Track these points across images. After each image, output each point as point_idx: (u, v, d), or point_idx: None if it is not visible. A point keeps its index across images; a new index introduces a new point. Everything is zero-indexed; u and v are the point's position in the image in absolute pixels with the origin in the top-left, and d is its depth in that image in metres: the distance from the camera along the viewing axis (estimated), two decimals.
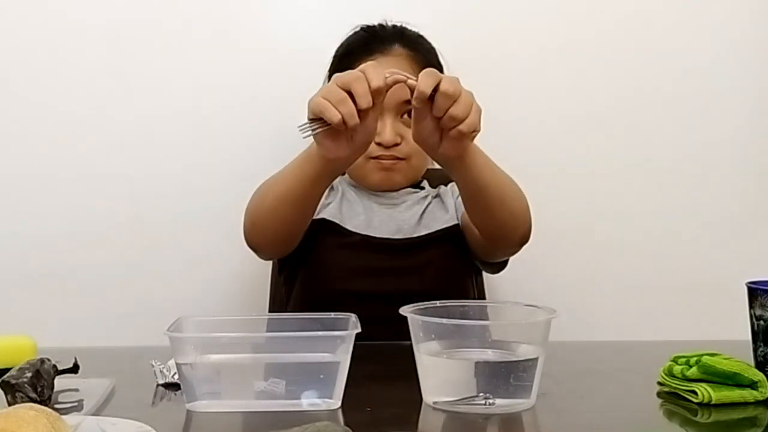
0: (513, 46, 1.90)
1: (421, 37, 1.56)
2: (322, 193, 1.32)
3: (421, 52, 1.53)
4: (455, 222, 1.52)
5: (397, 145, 1.48)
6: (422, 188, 1.59)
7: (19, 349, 1.16)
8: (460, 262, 1.51)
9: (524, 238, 1.38)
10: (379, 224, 1.51)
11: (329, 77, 1.54)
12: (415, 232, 1.51)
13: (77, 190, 1.85)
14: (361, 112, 1.13)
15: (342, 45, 1.56)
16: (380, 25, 1.56)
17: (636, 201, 1.93)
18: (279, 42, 1.86)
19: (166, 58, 1.86)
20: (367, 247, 1.47)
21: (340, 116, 1.11)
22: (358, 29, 1.57)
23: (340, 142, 1.18)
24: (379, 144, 1.46)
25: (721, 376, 1.05)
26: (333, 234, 1.47)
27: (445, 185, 1.62)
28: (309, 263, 1.48)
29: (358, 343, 1.04)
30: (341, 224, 1.49)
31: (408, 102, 1.42)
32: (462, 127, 1.15)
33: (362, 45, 1.53)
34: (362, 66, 1.14)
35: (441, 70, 1.53)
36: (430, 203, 1.56)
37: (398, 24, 1.57)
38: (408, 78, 1.15)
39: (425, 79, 1.13)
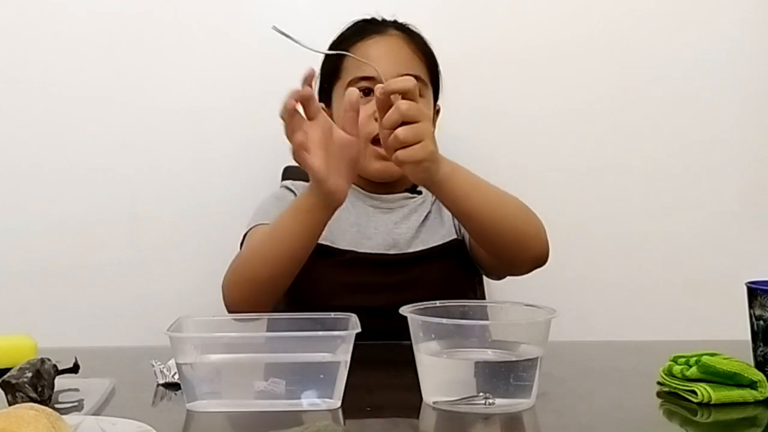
0: (513, 46, 1.89)
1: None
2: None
3: (417, 37, 1.53)
4: (453, 237, 1.50)
5: None
6: (419, 192, 1.56)
7: (19, 349, 1.16)
8: (459, 275, 1.48)
9: (538, 259, 1.35)
10: (374, 234, 1.48)
11: (323, 68, 1.53)
12: (411, 247, 1.48)
13: (77, 191, 1.85)
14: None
15: (337, 36, 1.56)
16: (373, 18, 1.57)
17: (636, 201, 1.93)
18: (279, 42, 1.85)
19: (166, 58, 1.86)
20: (361, 264, 1.44)
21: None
22: (352, 23, 1.56)
23: (334, 173, 1.20)
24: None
25: (720, 376, 1.05)
26: (324, 255, 1.42)
27: None
28: (300, 280, 1.43)
29: (357, 343, 1.04)
30: (333, 245, 1.46)
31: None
32: (399, 154, 1.16)
33: (357, 30, 1.53)
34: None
35: (435, 60, 1.54)
36: (429, 213, 1.52)
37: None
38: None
39: (399, 80, 1.16)
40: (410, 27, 1.55)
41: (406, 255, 1.47)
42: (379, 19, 1.57)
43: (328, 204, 1.25)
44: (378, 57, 1.45)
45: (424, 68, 1.51)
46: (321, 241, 1.40)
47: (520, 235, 1.31)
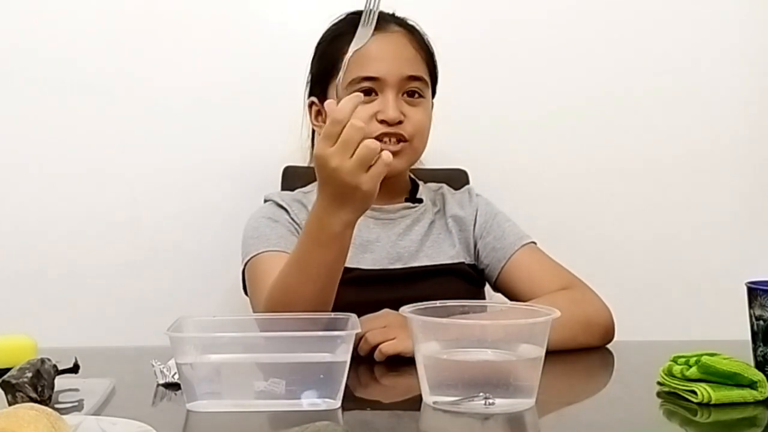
0: (513, 46, 1.90)
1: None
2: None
3: (418, 34, 1.49)
4: (461, 260, 1.48)
5: (400, 122, 1.41)
6: (420, 201, 1.53)
7: (19, 349, 1.16)
8: (466, 292, 1.43)
9: (605, 344, 1.37)
10: (376, 248, 1.45)
11: (312, 66, 1.50)
12: (415, 260, 1.46)
13: (77, 191, 1.85)
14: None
15: (329, 30, 1.50)
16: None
17: (636, 201, 1.93)
18: (280, 42, 1.86)
19: (167, 58, 1.86)
20: (365, 281, 1.40)
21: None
22: (344, 15, 1.50)
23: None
24: (382, 121, 1.40)
25: (720, 376, 1.05)
26: None
27: (449, 184, 1.59)
28: None
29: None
30: None
31: (410, 78, 1.41)
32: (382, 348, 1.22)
33: (356, 25, 1.39)
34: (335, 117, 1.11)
35: (433, 55, 1.50)
36: (432, 223, 1.50)
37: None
38: None
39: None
40: (411, 23, 1.51)
41: (411, 269, 1.45)
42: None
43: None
44: (381, 56, 1.42)
45: (425, 67, 1.48)
46: None
47: (583, 345, 1.33)
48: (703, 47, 1.92)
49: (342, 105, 1.10)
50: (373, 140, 1.10)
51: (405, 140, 1.43)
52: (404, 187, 1.55)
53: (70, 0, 1.84)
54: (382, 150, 1.11)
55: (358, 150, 1.09)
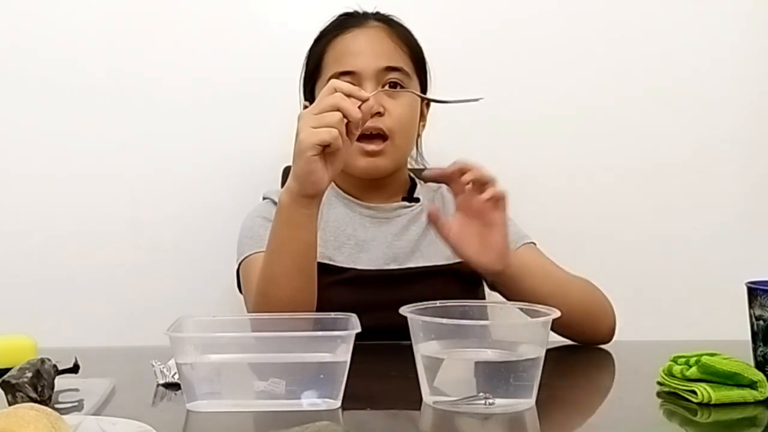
0: (513, 46, 1.90)
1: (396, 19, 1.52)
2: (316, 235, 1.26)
3: (399, 27, 1.49)
4: (458, 261, 1.44)
5: (379, 114, 1.39)
6: (417, 200, 1.52)
7: (19, 349, 1.16)
8: (463, 293, 1.40)
9: (604, 337, 1.37)
10: (372, 247, 1.44)
11: (306, 65, 1.52)
12: (411, 261, 1.45)
13: (78, 191, 1.85)
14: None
15: (319, 32, 1.51)
16: (354, 11, 1.52)
17: (636, 201, 1.93)
18: (281, 44, 1.86)
19: (166, 58, 1.86)
20: (360, 281, 1.40)
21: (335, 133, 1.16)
22: (333, 18, 1.51)
23: (325, 169, 1.19)
24: None
25: (720, 376, 1.05)
26: (322, 273, 1.30)
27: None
28: None
29: (357, 344, 1.04)
30: (331, 263, 1.41)
31: (388, 69, 1.42)
32: (487, 195, 1.23)
33: (338, 24, 1.48)
34: (334, 100, 1.16)
35: (420, 51, 1.50)
36: (430, 223, 1.49)
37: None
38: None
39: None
40: (392, 18, 1.51)
41: (406, 270, 1.44)
42: (360, 11, 1.52)
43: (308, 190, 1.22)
44: (359, 50, 1.42)
45: (408, 60, 1.46)
46: (318, 259, 1.30)
47: (587, 316, 1.33)
48: (703, 47, 1.92)
49: (342, 82, 1.20)
50: (341, 119, 1.16)
51: (386, 138, 1.42)
52: (401, 186, 1.54)
53: (70, 0, 1.84)
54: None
55: (325, 114, 1.16)
